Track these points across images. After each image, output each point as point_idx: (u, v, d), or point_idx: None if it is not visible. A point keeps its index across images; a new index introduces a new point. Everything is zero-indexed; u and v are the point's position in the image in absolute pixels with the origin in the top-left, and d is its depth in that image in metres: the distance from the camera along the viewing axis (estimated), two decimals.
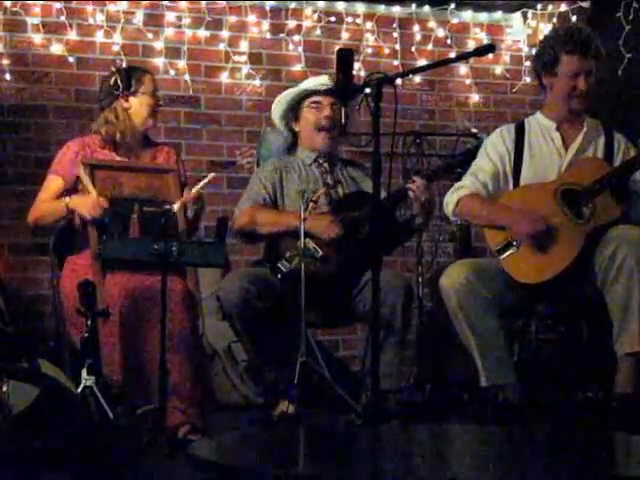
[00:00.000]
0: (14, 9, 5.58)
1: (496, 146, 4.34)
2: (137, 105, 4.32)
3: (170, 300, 3.82)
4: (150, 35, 5.83)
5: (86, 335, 3.71)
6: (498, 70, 6.45)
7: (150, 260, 3.76)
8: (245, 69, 5.98)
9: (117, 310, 3.95)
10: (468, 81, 6.40)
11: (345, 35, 6.16)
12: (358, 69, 5.90)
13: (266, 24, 6.02)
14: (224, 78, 5.96)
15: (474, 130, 5.85)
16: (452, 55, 6.14)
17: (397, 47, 6.23)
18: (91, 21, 5.73)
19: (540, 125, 4.36)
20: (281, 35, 6.06)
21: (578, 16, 6.24)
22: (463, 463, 2.74)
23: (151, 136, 4.49)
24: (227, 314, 4.26)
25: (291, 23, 6.07)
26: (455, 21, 6.33)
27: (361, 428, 3.82)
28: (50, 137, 5.58)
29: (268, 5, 6.00)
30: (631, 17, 5.92)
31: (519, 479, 2.47)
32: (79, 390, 3.59)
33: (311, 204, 4.26)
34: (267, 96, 4.87)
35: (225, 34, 5.95)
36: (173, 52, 5.88)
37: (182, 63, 5.88)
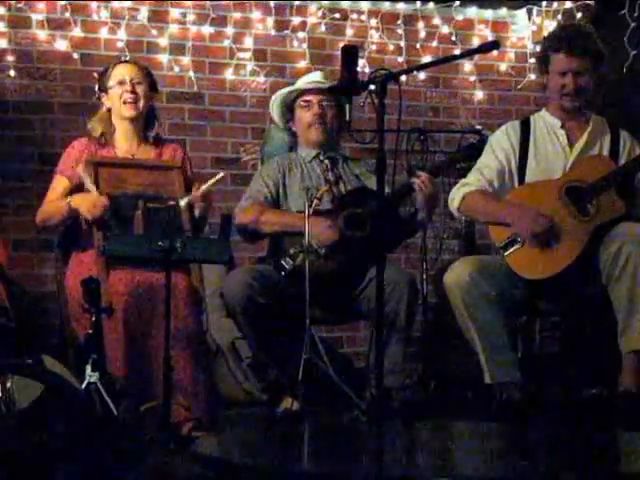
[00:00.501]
0: (19, 5, 5.58)
1: (501, 143, 4.34)
2: (112, 100, 4.32)
3: (174, 297, 3.82)
4: (154, 31, 5.82)
5: (90, 331, 3.72)
6: (503, 67, 6.44)
7: (154, 257, 3.76)
8: (249, 66, 5.98)
9: (121, 307, 3.96)
10: (473, 78, 6.39)
11: (350, 32, 6.15)
12: (363, 66, 5.89)
13: (271, 21, 6.01)
14: (228, 75, 5.95)
15: (479, 127, 5.84)
16: (457, 52, 6.12)
17: (402, 44, 6.22)
18: (95, 17, 5.73)
19: (545, 122, 4.36)
20: (286, 32, 6.05)
21: (583, 13, 6.23)
22: (467, 460, 2.74)
23: (160, 133, 4.49)
24: (231, 311, 4.26)
25: (296, 20, 6.06)
26: (460, 18, 6.32)
27: (365, 425, 3.82)
28: (54, 133, 5.58)
29: (273, 2, 6.00)
30: (636, 14, 5.91)
31: (523, 476, 2.47)
32: (83, 386, 3.60)
33: (315, 201, 4.26)
34: (271, 93, 4.86)
35: (230, 31, 5.94)
36: (177, 48, 5.87)
37: (186, 59, 5.88)
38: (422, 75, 6.26)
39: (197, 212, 4.21)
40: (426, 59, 6.17)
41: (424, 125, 5.91)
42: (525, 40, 6.45)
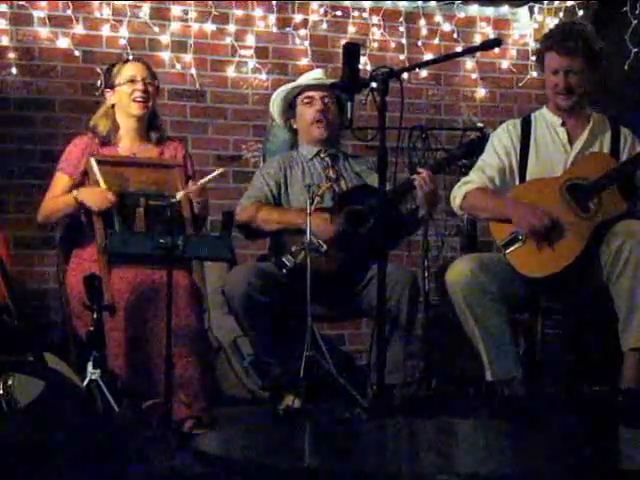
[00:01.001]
0: (20, 3, 5.59)
1: (502, 141, 4.35)
2: (118, 98, 4.31)
3: (176, 294, 3.83)
4: (156, 29, 5.83)
5: (92, 329, 3.73)
6: (504, 64, 6.44)
7: (156, 254, 3.76)
8: (251, 63, 5.98)
9: (123, 304, 3.96)
10: (474, 75, 6.39)
11: (351, 29, 6.16)
12: (364, 63, 5.89)
13: (272, 18, 6.02)
14: (230, 72, 5.96)
15: (480, 124, 5.84)
16: (458, 49, 6.12)
17: (403, 41, 6.23)
18: (97, 15, 5.74)
19: (546, 120, 4.36)
20: (287, 29, 6.05)
21: (585, 11, 6.23)
22: (468, 457, 2.74)
23: (163, 131, 4.49)
24: (233, 308, 4.26)
25: (297, 17, 6.06)
26: (461, 15, 6.32)
27: (367, 422, 3.82)
28: (56, 131, 5.59)
29: None
30: (637, 12, 5.91)
31: (525, 473, 2.46)
32: (85, 384, 3.60)
33: (317, 198, 4.26)
34: (273, 90, 4.85)
35: (231, 28, 5.95)
36: (179, 46, 5.88)
37: (188, 57, 5.88)
38: (424, 73, 6.27)
39: (196, 208, 4.21)
40: (428, 57, 6.17)
41: (425, 123, 5.91)
42: (527, 38, 6.46)
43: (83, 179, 4.22)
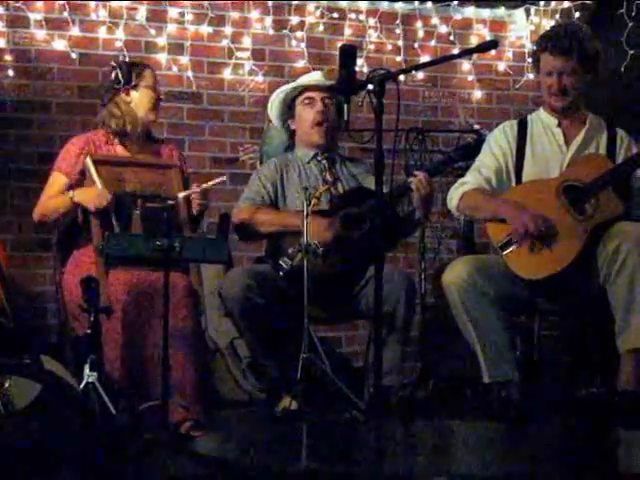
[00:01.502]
0: (17, 5, 5.58)
1: (499, 142, 4.35)
2: (138, 99, 4.32)
3: (172, 296, 3.82)
4: (153, 31, 5.82)
5: (89, 331, 3.72)
6: (501, 66, 6.44)
7: (153, 256, 3.76)
8: (248, 65, 5.98)
9: (120, 306, 3.96)
10: (471, 77, 6.39)
11: (348, 31, 6.16)
12: (361, 65, 5.89)
13: (269, 20, 6.01)
14: (227, 74, 5.96)
15: (477, 126, 5.85)
16: (455, 51, 6.12)
17: (400, 43, 6.23)
18: (94, 17, 5.73)
19: (542, 121, 4.36)
20: (284, 31, 6.05)
21: (581, 12, 6.24)
22: (465, 459, 2.74)
23: (154, 133, 4.50)
24: (229, 310, 4.26)
25: (294, 19, 6.06)
26: (458, 17, 6.32)
27: (364, 424, 3.82)
28: (53, 133, 5.58)
29: (271, 1, 6.00)
30: (634, 14, 5.92)
31: (521, 475, 2.47)
32: (81, 386, 3.60)
33: (313, 200, 4.26)
34: (270, 92, 4.86)
35: (228, 30, 5.95)
36: (176, 48, 5.87)
37: (185, 59, 5.88)
38: (420, 75, 6.27)
39: (195, 209, 4.21)
40: (424, 59, 6.18)
41: (422, 125, 5.91)
42: (523, 39, 6.46)
43: (80, 178, 4.22)
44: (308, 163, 4.60)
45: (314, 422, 3.92)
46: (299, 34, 6.06)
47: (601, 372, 4.52)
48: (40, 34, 5.64)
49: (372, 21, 6.17)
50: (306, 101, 4.59)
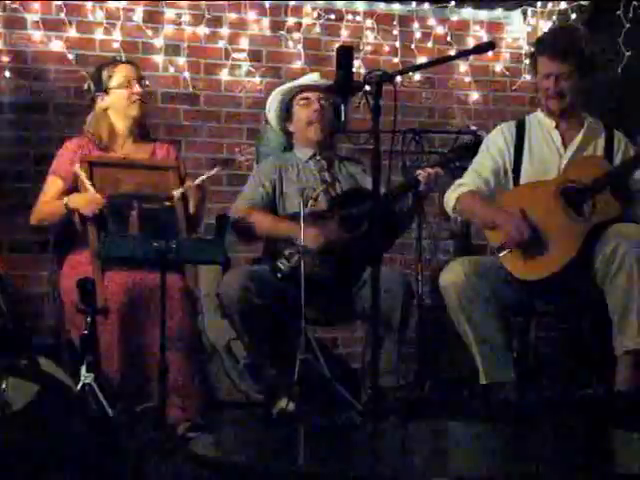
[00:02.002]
0: (13, 6, 5.57)
1: (496, 143, 4.36)
2: (112, 101, 4.32)
3: (169, 298, 3.82)
4: (150, 32, 5.82)
5: (85, 332, 3.72)
6: (498, 68, 6.44)
7: (150, 258, 3.75)
8: (245, 66, 5.98)
9: (116, 307, 3.95)
10: (468, 79, 6.39)
11: (345, 32, 6.15)
12: (358, 66, 5.88)
13: (266, 21, 6.01)
14: (224, 75, 5.95)
15: (474, 128, 5.85)
16: (452, 53, 6.12)
17: (397, 45, 6.23)
18: (91, 18, 5.73)
19: (540, 123, 4.37)
20: (281, 32, 6.05)
21: (578, 14, 6.23)
22: (462, 460, 2.74)
23: (151, 133, 4.49)
24: (227, 312, 4.26)
25: (291, 20, 6.06)
26: (455, 18, 6.32)
27: (361, 425, 3.82)
28: (49, 134, 5.57)
29: (268, 2, 5.99)
30: (631, 15, 5.92)
31: (519, 476, 2.47)
32: (78, 387, 3.59)
33: (311, 201, 4.26)
34: (267, 93, 4.85)
35: (225, 31, 5.94)
36: (173, 49, 5.87)
37: (182, 60, 5.87)
38: (417, 76, 6.26)
39: (191, 206, 4.21)
40: (421, 60, 6.18)
41: (419, 126, 5.91)
42: (520, 41, 6.46)
43: (76, 181, 4.21)
44: (306, 162, 4.60)
45: (311, 423, 3.92)
46: (296, 35, 6.06)
47: (598, 373, 4.52)
48: (37, 35, 5.63)
49: (369, 22, 6.17)
50: (302, 101, 4.59)
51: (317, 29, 6.10)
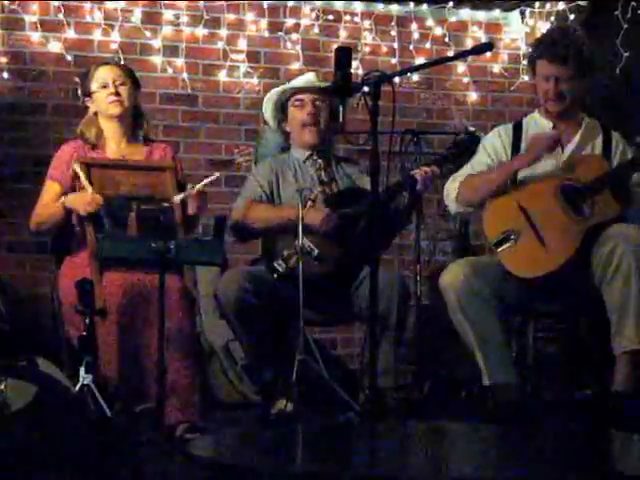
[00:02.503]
0: (12, 7, 5.57)
1: (494, 144, 4.38)
2: (97, 104, 4.32)
3: (167, 298, 3.82)
4: (148, 33, 5.82)
5: (84, 333, 3.72)
6: (496, 68, 6.44)
7: (148, 259, 3.75)
8: (243, 67, 5.98)
9: (115, 308, 3.95)
10: (466, 79, 6.40)
11: (343, 33, 6.16)
12: (356, 67, 5.89)
13: (264, 22, 6.01)
14: (222, 76, 5.95)
15: (472, 128, 5.84)
16: (450, 53, 6.13)
17: (395, 45, 6.23)
18: (89, 19, 5.73)
19: (537, 124, 4.38)
20: (279, 33, 6.05)
21: (576, 15, 6.23)
22: (462, 461, 2.74)
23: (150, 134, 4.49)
24: (225, 312, 4.26)
25: (289, 21, 6.06)
26: (453, 19, 6.32)
27: (359, 426, 3.82)
28: (48, 135, 5.57)
29: (266, 3, 5.99)
30: (629, 15, 5.92)
31: (519, 477, 2.47)
32: (77, 388, 3.59)
33: (309, 202, 4.26)
34: (265, 94, 4.86)
35: (223, 32, 5.94)
36: (171, 50, 5.87)
37: (180, 61, 5.88)
38: (415, 77, 6.27)
39: (191, 210, 4.21)
40: (419, 61, 6.18)
41: (418, 127, 5.91)
42: (518, 42, 6.46)
43: (74, 184, 4.21)
44: (304, 162, 4.60)
45: (309, 424, 3.92)
46: (294, 36, 6.06)
47: (596, 374, 4.52)
48: (35, 36, 5.63)
49: (367, 23, 6.17)
50: (296, 103, 4.59)
51: (315, 30, 6.11)
